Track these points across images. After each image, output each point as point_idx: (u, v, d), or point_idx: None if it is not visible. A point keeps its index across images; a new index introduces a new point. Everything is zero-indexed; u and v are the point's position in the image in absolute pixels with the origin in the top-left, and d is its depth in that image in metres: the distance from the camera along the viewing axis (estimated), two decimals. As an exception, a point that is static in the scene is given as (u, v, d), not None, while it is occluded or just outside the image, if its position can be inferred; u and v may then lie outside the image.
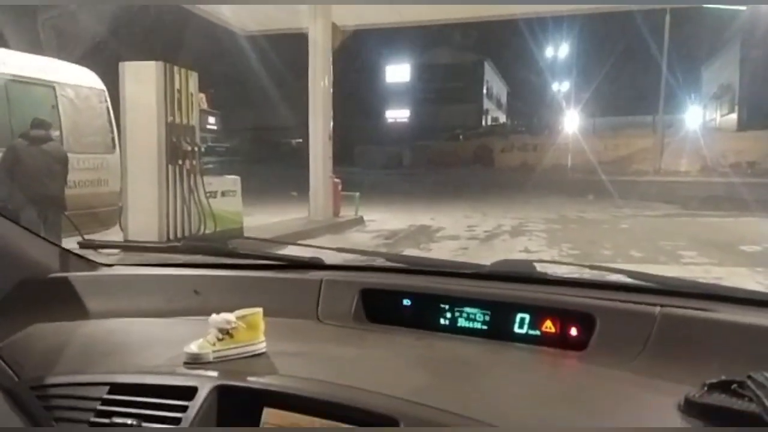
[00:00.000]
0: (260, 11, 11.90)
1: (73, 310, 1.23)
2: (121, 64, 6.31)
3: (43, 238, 1.34)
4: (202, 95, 7.08)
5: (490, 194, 18.62)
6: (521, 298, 1.15)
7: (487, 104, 44.44)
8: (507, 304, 1.15)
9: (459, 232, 10.11)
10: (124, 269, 1.41)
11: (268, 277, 1.32)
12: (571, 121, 33.32)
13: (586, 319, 1.08)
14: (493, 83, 46.83)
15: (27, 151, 5.71)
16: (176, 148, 6.36)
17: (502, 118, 47.22)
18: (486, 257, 7.77)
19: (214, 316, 1.01)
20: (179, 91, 6.44)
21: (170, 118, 6.31)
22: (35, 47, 8.94)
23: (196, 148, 6.61)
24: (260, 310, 1.04)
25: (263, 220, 11.41)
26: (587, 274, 1.36)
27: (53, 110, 6.54)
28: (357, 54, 37.74)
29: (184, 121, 6.53)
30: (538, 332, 1.13)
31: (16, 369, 1.00)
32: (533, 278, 1.24)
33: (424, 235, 9.91)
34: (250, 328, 1.01)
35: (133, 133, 6.29)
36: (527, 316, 1.13)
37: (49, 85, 6.51)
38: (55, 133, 6.07)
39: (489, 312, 1.16)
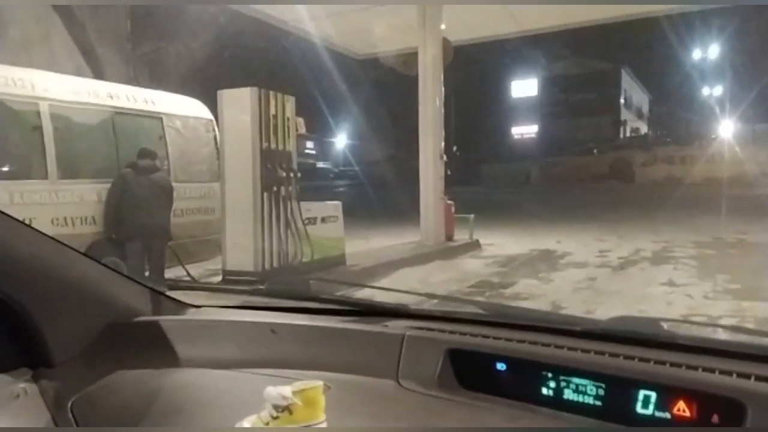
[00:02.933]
0: (369, 33, 11.76)
1: (158, 356, 1.20)
2: (219, 92, 6.28)
3: (132, 279, 1.30)
4: (300, 119, 6.85)
5: (628, 213, 16.78)
6: (645, 372, 0.95)
7: (625, 115, 41.23)
8: (627, 378, 0.95)
9: (588, 259, 8.94)
10: (210, 312, 1.38)
11: (347, 328, 1.22)
12: (726, 129, 29.62)
13: (732, 406, 0.86)
14: (632, 92, 43.43)
15: (135, 181, 5.81)
16: (271, 174, 6.15)
17: (644, 129, 43.48)
18: (617, 291, 6.69)
19: (269, 389, 0.92)
20: (275, 116, 6.25)
21: (265, 144, 6.13)
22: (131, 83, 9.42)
23: (292, 174, 6.36)
24: (320, 383, 0.93)
25: (379, 244, 11.10)
26: (735, 337, 1.12)
27: (160, 141, 6.66)
28: (481, 71, 37.06)
29: (280, 146, 6.32)
30: (667, 415, 0.92)
31: (90, 420, 1.00)
32: (660, 342, 1.01)
33: (546, 261, 8.89)
34: (307, 406, 0.91)
35: (230, 161, 6.20)
36: (653, 394, 0.93)
37: (157, 117, 6.65)
38: (162, 164, 6.14)
39: (604, 385, 0.97)
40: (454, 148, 44.38)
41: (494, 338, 1.10)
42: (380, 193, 21.12)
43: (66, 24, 13.65)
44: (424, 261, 8.81)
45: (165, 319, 1.27)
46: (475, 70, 36.07)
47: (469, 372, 1.08)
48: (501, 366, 1.06)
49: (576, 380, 0.98)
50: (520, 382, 1.04)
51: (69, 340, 1.11)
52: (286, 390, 0.90)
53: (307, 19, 11.20)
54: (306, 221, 6.71)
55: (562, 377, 1.00)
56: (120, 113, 6.20)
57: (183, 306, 1.37)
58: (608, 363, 0.97)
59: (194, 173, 6.93)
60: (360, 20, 11.13)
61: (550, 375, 1.01)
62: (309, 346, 1.17)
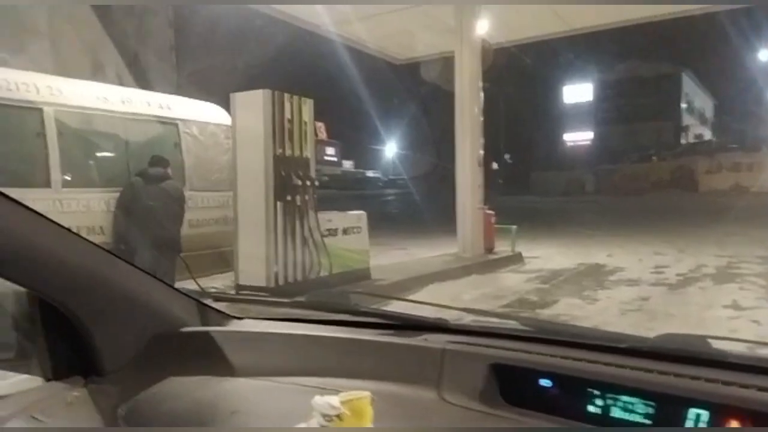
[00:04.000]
0: (408, 37, 11.32)
1: (204, 365, 1.21)
2: (231, 95, 5.94)
3: (177, 290, 1.32)
4: (321, 124, 6.43)
5: (690, 224, 15.59)
6: (696, 390, 0.91)
7: (686, 120, 39.13)
8: (677, 396, 0.91)
9: (641, 275, 8.12)
10: (252, 324, 1.39)
11: (386, 341, 1.20)
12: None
13: None
14: (694, 96, 41.20)
15: (143, 190, 5.54)
16: (285, 182, 5.74)
17: (707, 135, 41.12)
18: (672, 314, 5.89)
19: (317, 398, 0.92)
20: (290, 120, 5.84)
21: (279, 151, 5.72)
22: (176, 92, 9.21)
23: (309, 182, 5.93)
24: (368, 394, 0.93)
25: (417, 255, 10.59)
26: None
27: (176, 147, 6.39)
28: (532, 77, 36.03)
29: (296, 153, 5.90)
30: None
31: (140, 426, 1.03)
32: (709, 360, 0.98)
33: (593, 277, 8.12)
34: (355, 415, 0.91)
35: (243, 168, 5.84)
36: (705, 413, 0.89)
37: (172, 123, 6.38)
38: (171, 171, 5.85)
39: (653, 403, 0.92)
40: (506, 156, 43.44)
41: (537, 354, 1.07)
42: (428, 201, 20.60)
43: (110, 33, 13.86)
44: (459, 275, 8.21)
45: (210, 330, 1.29)
46: (526, 76, 35.12)
47: (513, 387, 1.06)
48: (545, 382, 1.03)
49: (624, 398, 0.96)
50: (566, 398, 1.01)
51: (119, 349, 1.13)
52: (335, 399, 0.92)
53: (340, 21, 10.86)
54: (325, 233, 6.27)
55: (609, 395, 0.97)
56: (132, 119, 5.95)
57: (226, 317, 1.39)
58: (657, 381, 0.95)
59: (212, 181, 6.62)
60: (396, 23, 10.70)
61: (597, 392, 0.98)
62: (350, 358, 1.18)
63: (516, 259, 9.93)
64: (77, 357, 1.10)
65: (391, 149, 56.97)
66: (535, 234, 13.57)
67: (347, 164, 59.18)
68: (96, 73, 12.14)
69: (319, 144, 6.44)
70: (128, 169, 5.80)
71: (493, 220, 10.27)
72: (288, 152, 5.83)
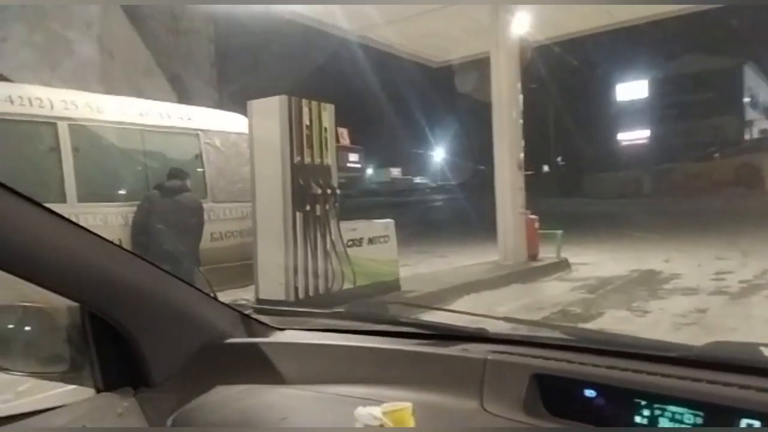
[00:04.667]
0: (442, 38, 10.97)
1: (249, 375, 1.22)
2: (249, 102, 5.75)
3: (221, 302, 1.32)
4: (343, 130, 6.18)
5: (756, 225, 14.42)
6: (747, 400, 0.86)
7: (750, 114, 36.84)
8: (727, 407, 0.87)
9: (700, 282, 7.41)
10: (293, 335, 1.40)
11: (426, 351, 1.19)
12: None
13: None
14: (758, 89, 38.79)
15: (160, 203, 5.43)
16: (304, 191, 5.48)
17: (775, 130, 38.58)
18: (733, 329, 5.23)
19: (360, 409, 0.94)
20: (309, 126, 5.59)
21: (297, 158, 5.47)
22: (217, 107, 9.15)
23: (329, 191, 5.65)
24: (409, 405, 0.95)
25: (456, 263, 10.17)
26: None
27: (196, 159, 6.27)
28: (583, 74, 34.85)
29: (316, 160, 5.64)
30: None
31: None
32: (760, 368, 0.93)
33: (645, 286, 7.48)
34: (398, 426, 0.93)
35: (260, 177, 5.62)
36: (757, 423, 0.85)
37: (193, 134, 6.27)
38: (190, 183, 5.71)
39: (702, 414, 0.89)
40: (558, 159, 42.14)
41: (581, 363, 1.04)
42: (476, 207, 20.01)
43: (151, 50, 14.13)
44: (497, 285, 7.74)
45: (254, 341, 1.31)
46: (577, 75, 34.01)
47: (556, 398, 1.02)
48: (590, 392, 0.99)
49: (672, 408, 0.92)
50: (612, 409, 0.97)
51: (167, 360, 1.16)
52: (377, 410, 0.93)
53: (375, 26, 10.62)
54: (349, 243, 5.97)
55: (656, 405, 0.93)
56: (151, 131, 5.87)
57: (269, 328, 1.40)
58: (706, 390, 0.91)
59: (235, 192, 6.46)
60: (431, 24, 10.36)
61: (643, 402, 0.94)
62: (390, 368, 1.17)
63: (562, 266, 9.35)
64: (127, 368, 1.13)
65: (439, 155, 56.36)
66: (587, 238, 12.86)
67: (394, 171, 59.24)
68: (139, 90, 12.38)
69: (341, 150, 6.18)
70: (147, 182, 5.70)
71: (536, 225, 9.72)
72: (307, 160, 5.58)
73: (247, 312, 1.39)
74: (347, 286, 5.81)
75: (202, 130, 6.30)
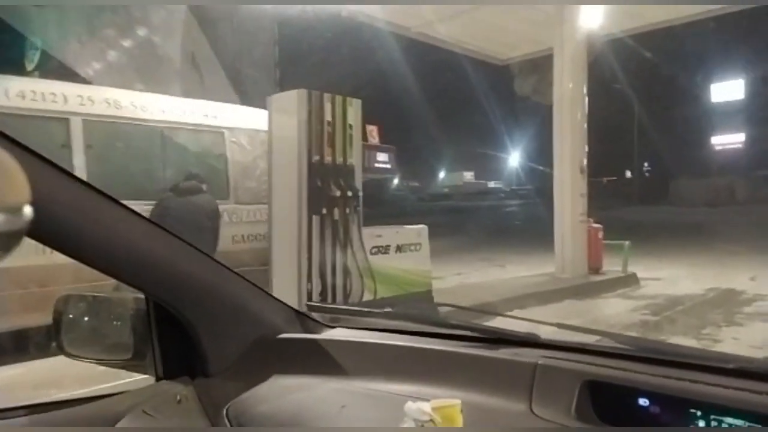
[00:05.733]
0: (507, 33, 10.27)
1: (301, 370, 1.25)
2: (268, 98, 5.40)
3: (275, 298, 1.35)
4: (373, 128, 5.69)
5: None
6: None
7: None
8: None
9: (790, 307, 6.36)
10: (344, 332, 1.41)
11: (477, 354, 1.18)
12: None
13: None
14: None
15: (174, 205, 5.18)
16: (322, 193, 5.06)
17: None
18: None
19: (409, 404, 0.95)
20: (330, 123, 5.16)
21: (316, 157, 5.06)
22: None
23: (350, 193, 5.20)
24: (458, 402, 0.95)
25: (515, 273, 9.48)
26: None
27: (219, 158, 6.00)
28: (670, 75, 32.53)
29: (337, 159, 5.20)
30: None
31: (243, 423, 1.09)
32: None
33: (722, 308, 6.49)
34: (446, 422, 0.93)
35: (277, 178, 5.26)
36: None
37: (218, 131, 6.00)
38: (208, 185, 5.44)
39: (760, 426, 0.86)
40: (645, 164, 39.58)
41: (635, 372, 1.01)
42: (551, 213, 18.93)
43: (215, 50, 14.31)
44: (548, 300, 7.00)
45: (307, 337, 1.33)
46: (663, 72, 31.78)
47: (608, 405, 1.00)
48: (644, 401, 0.96)
49: (729, 420, 0.89)
50: (666, 419, 0.95)
51: (224, 351, 1.20)
52: (426, 406, 0.94)
53: (435, 22, 10.09)
54: (374, 250, 5.49)
55: (713, 416, 0.90)
56: (172, 129, 5.64)
57: (320, 326, 1.42)
58: (766, 402, 0.87)
59: (261, 194, 6.12)
60: (493, 18, 9.70)
61: (699, 413, 0.91)
62: (440, 368, 1.17)
63: (628, 281, 8.42)
64: (186, 358, 1.16)
65: (515, 159, 54.60)
66: (665, 251, 11.70)
67: (467, 175, 58.06)
68: (203, 91, 12.51)
69: (368, 149, 5.69)
70: (165, 181, 5.48)
71: (600, 234, 8.83)
72: (327, 159, 5.15)
73: (300, 309, 1.41)
74: (368, 297, 5.33)
75: (227, 128, 6.03)
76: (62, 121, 4.90)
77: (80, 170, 4.91)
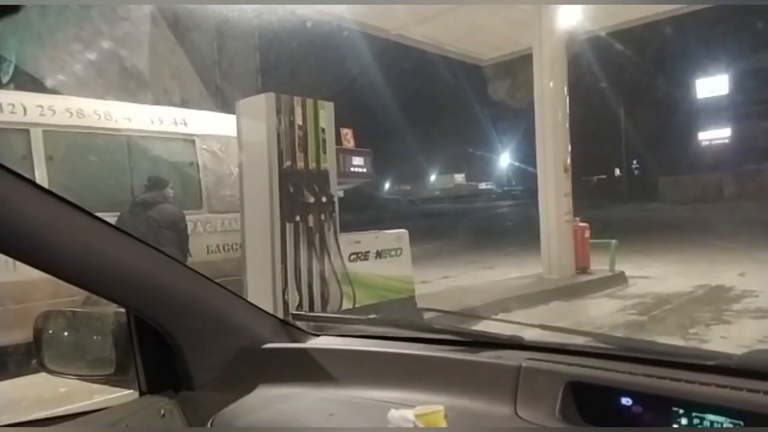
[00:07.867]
0: (486, 34, 10.16)
1: (286, 380, 1.24)
2: (237, 102, 5.24)
3: (259, 308, 1.33)
4: (348, 131, 5.53)
5: None
6: None
7: None
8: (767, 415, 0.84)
9: (779, 302, 6.26)
10: (329, 340, 1.39)
11: (460, 358, 1.18)
12: None
13: None
14: None
15: (130, 220, 4.98)
16: (294, 200, 4.89)
17: None
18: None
19: (393, 412, 0.96)
20: (301, 127, 5.00)
21: (287, 163, 4.89)
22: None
23: (325, 199, 5.03)
24: (441, 408, 0.96)
25: (504, 274, 9.33)
26: None
27: (191, 167, 5.82)
28: (655, 72, 32.68)
29: (311, 165, 5.03)
30: None
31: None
32: None
33: (711, 306, 6.37)
34: (429, 430, 0.94)
35: (248, 184, 5.08)
36: None
37: (188, 139, 5.83)
38: (174, 193, 5.26)
39: (741, 423, 0.87)
40: (634, 162, 39.67)
41: (617, 371, 1.01)
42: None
43: (194, 58, 14.12)
44: (535, 302, 6.86)
45: (291, 346, 1.32)
46: (648, 70, 31.91)
47: (592, 406, 1.00)
48: (626, 401, 0.97)
49: (710, 417, 0.90)
50: (649, 417, 0.95)
51: (209, 364, 1.18)
52: (409, 413, 0.95)
53: (417, 22, 9.94)
54: (353, 257, 5.32)
55: (695, 413, 0.91)
56: (139, 137, 5.47)
57: (305, 334, 1.40)
58: (747, 399, 0.88)
59: (235, 202, 5.94)
60: (472, 19, 9.58)
61: (681, 411, 0.92)
62: (424, 374, 1.16)
63: (615, 280, 8.29)
64: (169, 371, 1.15)
65: (505, 160, 54.60)
66: (654, 248, 11.61)
67: (458, 177, 57.89)
68: (183, 101, 12.33)
69: (343, 153, 5.54)
70: (131, 192, 5.30)
71: (586, 234, 8.71)
72: (299, 165, 4.97)
73: (284, 318, 1.40)
74: (347, 305, 5.16)
75: (198, 135, 5.86)
76: (22, 132, 4.71)
77: (41, 182, 4.69)
